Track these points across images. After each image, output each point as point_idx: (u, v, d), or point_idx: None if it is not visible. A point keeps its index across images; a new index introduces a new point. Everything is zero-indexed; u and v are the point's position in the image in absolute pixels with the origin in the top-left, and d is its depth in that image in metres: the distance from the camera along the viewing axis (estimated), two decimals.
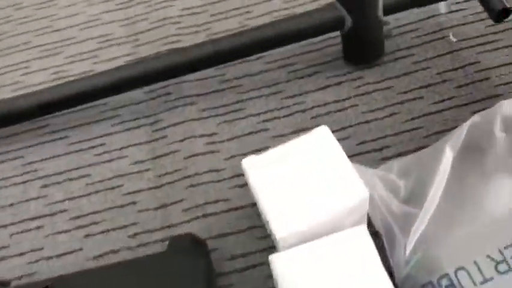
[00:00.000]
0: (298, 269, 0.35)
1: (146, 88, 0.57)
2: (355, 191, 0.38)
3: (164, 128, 0.54)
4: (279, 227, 0.37)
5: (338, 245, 0.36)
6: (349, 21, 0.50)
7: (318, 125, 0.51)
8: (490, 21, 0.55)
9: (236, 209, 0.48)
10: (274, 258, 0.36)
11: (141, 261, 0.41)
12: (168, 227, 0.48)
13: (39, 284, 0.40)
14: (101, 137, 0.55)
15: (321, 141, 0.40)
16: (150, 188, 0.50)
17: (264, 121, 0.53)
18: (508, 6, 0.48)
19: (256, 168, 0.40)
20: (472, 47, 0.54)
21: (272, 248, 0.45)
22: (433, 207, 0.39)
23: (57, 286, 0.38)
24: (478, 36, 0.54)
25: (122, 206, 0.50)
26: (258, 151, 0.51)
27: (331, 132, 0.41)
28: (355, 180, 0.38)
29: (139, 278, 0.39)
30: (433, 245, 0.38)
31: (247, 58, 0.57)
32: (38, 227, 0.50)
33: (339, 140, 0.50)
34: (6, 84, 0.60)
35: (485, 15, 0.56)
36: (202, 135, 0.53)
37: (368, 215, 0.42)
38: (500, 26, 0.54)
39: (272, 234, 0.37)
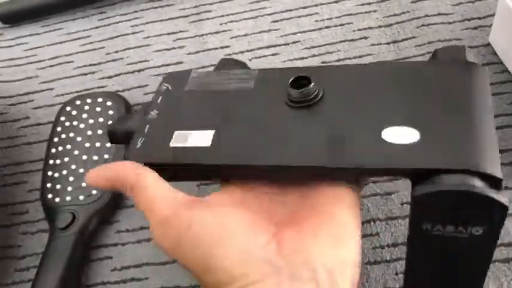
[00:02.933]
0: None
1: None
2: None
3: None
4: None
5: None
6: None
7: None
8: None
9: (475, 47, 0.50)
10: None
11: (413, 64, 0.41)
12: (402, 59, 0.51)
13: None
14: None
15: None
16: (380, 26, 0.54)
17: None
18: None
19: None
20: None
21: None
22: None
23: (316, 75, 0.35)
24: None
25: (353, 40, 0.54)
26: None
27: None
28: None
29: (410, 79, 0.34)
30: None
31: None
32: (274, 54, 0.55)
33: None
34: None
35: None
36: None
37: None
38: None
39: None
